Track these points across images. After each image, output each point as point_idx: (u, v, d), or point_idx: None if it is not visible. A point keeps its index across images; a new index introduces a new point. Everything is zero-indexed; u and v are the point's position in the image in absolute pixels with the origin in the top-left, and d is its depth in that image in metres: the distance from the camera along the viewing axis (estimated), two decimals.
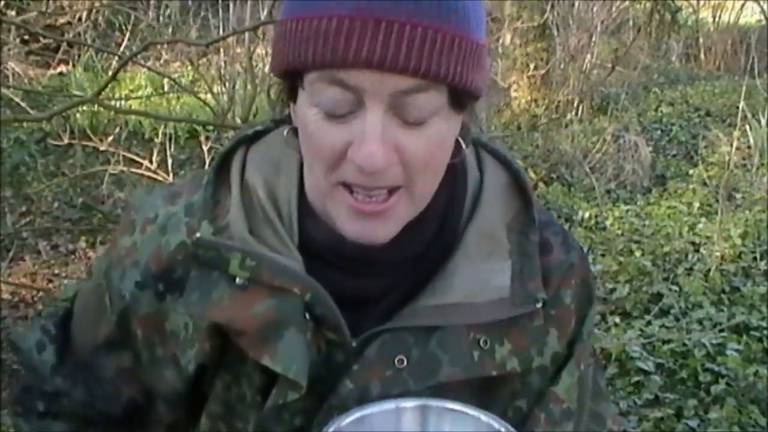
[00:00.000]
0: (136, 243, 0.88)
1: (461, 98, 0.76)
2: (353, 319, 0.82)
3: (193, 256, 0.82)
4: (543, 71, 7.77)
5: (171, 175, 4.21)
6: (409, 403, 0.80)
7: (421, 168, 0.76)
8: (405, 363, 0.81)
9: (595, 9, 8.27)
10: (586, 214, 5.19)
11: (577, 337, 0.90)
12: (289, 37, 0.73)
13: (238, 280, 0.80)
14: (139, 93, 6.39)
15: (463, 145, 0.83)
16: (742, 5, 11.79)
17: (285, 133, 0.83)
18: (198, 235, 0.83)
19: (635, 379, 3.22)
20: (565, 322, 0.89)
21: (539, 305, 0.85)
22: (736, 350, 3.39)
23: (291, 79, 0.77)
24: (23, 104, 4.51)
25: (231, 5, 6.36)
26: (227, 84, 5.58)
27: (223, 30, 6.39)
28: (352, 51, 0.69)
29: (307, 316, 0.81)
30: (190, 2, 7.27)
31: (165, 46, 6.51)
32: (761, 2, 10.44)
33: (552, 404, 0.88)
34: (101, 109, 5.62)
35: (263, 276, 0.80)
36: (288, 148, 0.84)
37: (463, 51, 0.72)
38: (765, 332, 3.59)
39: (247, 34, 4.31)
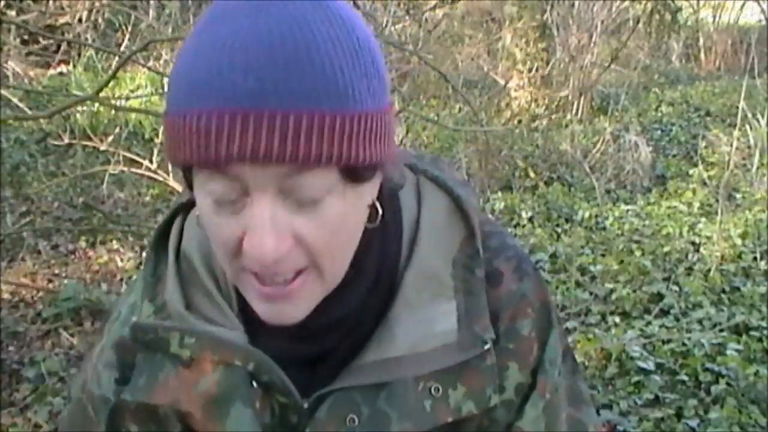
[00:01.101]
0: (104, 344, 0.88)
1: (354, 173, 0.72)
2: (303, 378, 0.81)
3: (135, 340, 0.81)
4: (543, 71, 7.78)
5: (171, 175, 4.20)
6: None
7: (323, 250, 0.73)
8: (356, 422, 0.79)
9: (595, 9, 8.28)
10: (586, 214, 5.19)
11: (539, 366, 0.87)
12: (168, 135, 0.71)
13: (183, 357, 0.79)
14: (140, 93, 6.40)
15: (380, 210, 0.79)
16: (742, 5, 11.80)
17: (196, 216, 0.81)
18: (134, 319, 0.82)
19: (635, 379, 3.22)
20: (526, 353, 0.86)
21: (487, 347, 0.82)
22: (736, 350, 3.38)
23: (182, 170, 0.75)
24: (21, 105, 4.50)
25: None
26: None
27: None
28: (224, 148, 0.66)
29: (255, 384, 0.79)
30: (190, 2, 7.27)
31: (165, 45, 6.51)
32: (761, 2, 10.44)
33: None
34: (101, 109, 5.63)
35: (204, 351, 0.78)
36: None
37: (344, 129, 0.67)
38: (765, 332, 3.59)
39: None
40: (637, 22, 8.88)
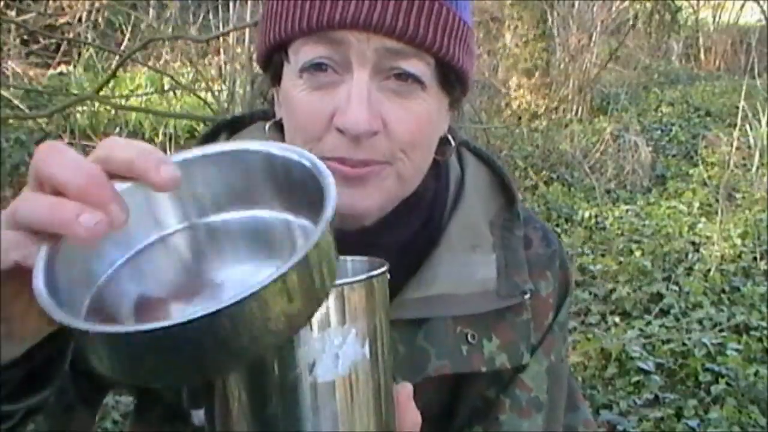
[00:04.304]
0: None
1: (448, 75, 0.76)
2: None
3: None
4: (543, 71, 7.78)
5: None
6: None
7: (407, 142, 0.76)
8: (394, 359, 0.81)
9: (595, 9, 8.28)
10: (586, 214, 5.19)
11: (548, 328, 0.90)
12: (275, 11, 0.74)
13: None
14: (140, 92, 6.39)
15: (452, 143, 0.83)
16: (742, 5, 11.79)
17: (266, 127, 0.83)
18: None
19: (635, 378, 3.22)
20: (542, 314, 0.89)
21: (527, 296, 0.85)
22: (736, 350, 3.38)
23: (276, 57, 0.78)
24: (23, 104, 4.51)
25: (231, 5, 6.35)
26: (227, 83, 5.58)
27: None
28: (339, 11, 0.70)
29: None
30: (190, 2, 7.27)
31: (165, 45, 6.51)
32: (761, 2, 10.44)
33: (518, 390, 0.87)
34: (101, 108, 5.63)
35: None
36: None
37: (450, 24, 0.73)
38: (765, 332, 3.59)
39: (247, 34, 4.31)
40: (636, 17, 8.86)
